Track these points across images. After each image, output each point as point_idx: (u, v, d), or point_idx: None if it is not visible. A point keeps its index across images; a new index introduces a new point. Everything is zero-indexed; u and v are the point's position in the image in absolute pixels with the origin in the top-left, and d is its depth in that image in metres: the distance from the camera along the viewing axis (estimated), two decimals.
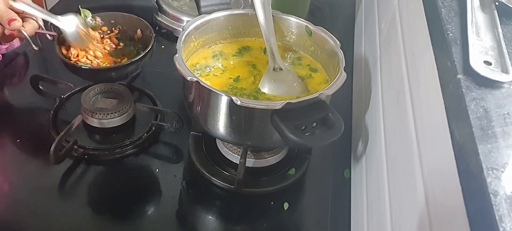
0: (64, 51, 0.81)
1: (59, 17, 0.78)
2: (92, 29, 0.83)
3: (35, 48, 0.78)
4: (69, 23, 0.78)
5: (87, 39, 0.80)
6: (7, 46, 0.98)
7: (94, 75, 0.82)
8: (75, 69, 0.78)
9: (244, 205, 0.77)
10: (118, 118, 0.83)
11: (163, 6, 1.13)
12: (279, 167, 0.81)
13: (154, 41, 0.81)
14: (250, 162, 0.79)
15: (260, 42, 0.86)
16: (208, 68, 0.81)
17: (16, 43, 1.00)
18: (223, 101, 0.68)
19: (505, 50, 0.46)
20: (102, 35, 0.85)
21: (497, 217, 0.31)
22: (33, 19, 0.77)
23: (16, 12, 0.75)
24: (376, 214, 0.64)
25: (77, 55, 0.81)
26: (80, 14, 0.81)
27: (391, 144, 0.65)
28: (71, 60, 0.79)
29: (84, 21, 0.80)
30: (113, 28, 0.88)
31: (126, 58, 0.83)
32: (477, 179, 0.35)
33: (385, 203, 0.61)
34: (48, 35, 0.79)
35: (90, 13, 0.83)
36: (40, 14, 0.76)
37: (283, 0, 0.95)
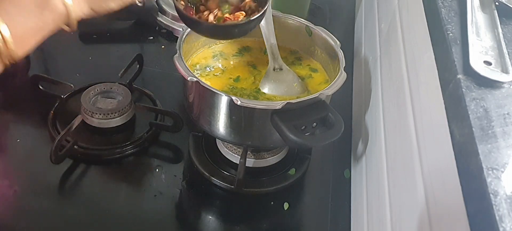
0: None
1: None
2: None
3: (138, 4, 0.71)
4: None
5: None
6: None
7: (214, 31, 0.73)
8: (193, 24, 0.70)
9: (244, 205, 0.77)
10: (118, 118, 0.83)
11: (163, 6, 1.13)
12: (279, 167, 0.81)
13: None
14: (250, 162, 0.79)
15: (260, 42, 0.86)
16: (208, 68, 0.81)
17: None
18: (223, 101, 0.68)
19: (505, 50, 0.46)
20: None
21: (497, 217, 0.31)
22: None
23: None
24: (376, 214, 0.64)
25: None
26: None
27: (391, 144, 0.65)
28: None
29: None
30: None
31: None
32: (477, 179, 0.35)
33: (385, 203, 0.61)
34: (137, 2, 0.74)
35: None
36: None
37: (283, 0, 0.95)
